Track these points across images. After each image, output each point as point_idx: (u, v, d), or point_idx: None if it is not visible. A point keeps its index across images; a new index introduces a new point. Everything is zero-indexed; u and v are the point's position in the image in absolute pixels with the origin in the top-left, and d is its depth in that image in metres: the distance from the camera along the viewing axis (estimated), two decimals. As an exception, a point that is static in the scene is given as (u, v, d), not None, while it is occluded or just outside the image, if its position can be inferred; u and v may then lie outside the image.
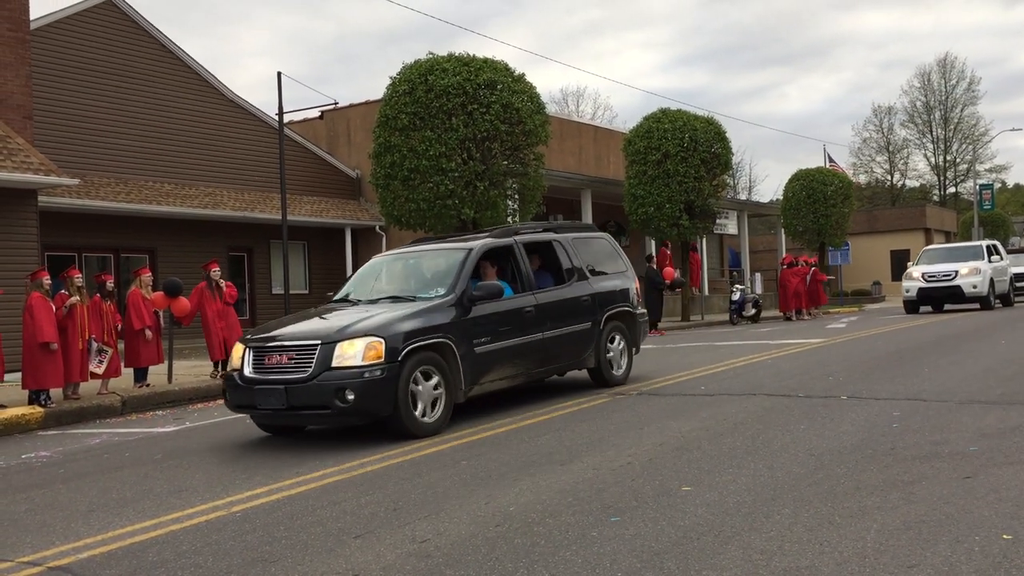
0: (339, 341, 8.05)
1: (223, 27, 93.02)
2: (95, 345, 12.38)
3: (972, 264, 25.96)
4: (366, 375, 7.87)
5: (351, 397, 7.84)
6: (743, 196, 60.58)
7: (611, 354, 10.97)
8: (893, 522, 4.86)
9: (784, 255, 34.39)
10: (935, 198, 69.92)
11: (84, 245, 20.97)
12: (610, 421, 8.55)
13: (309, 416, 8.26)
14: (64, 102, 20.69)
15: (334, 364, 7.94)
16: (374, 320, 8.36)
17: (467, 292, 9.02)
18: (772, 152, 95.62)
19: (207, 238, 23.26)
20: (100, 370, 12.39)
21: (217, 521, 5.83)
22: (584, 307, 10.55)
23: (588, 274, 10.85)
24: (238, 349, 8.80)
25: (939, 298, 26.07)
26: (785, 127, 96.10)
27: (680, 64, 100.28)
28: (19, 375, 12.03)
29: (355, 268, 26.79)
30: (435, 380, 8.42)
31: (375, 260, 10.84)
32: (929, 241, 46.57)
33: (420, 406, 8.24)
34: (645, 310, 12.11)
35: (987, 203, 52.72)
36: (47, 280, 11.95)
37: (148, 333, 13.04)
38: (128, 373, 13.25)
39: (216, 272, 14.20)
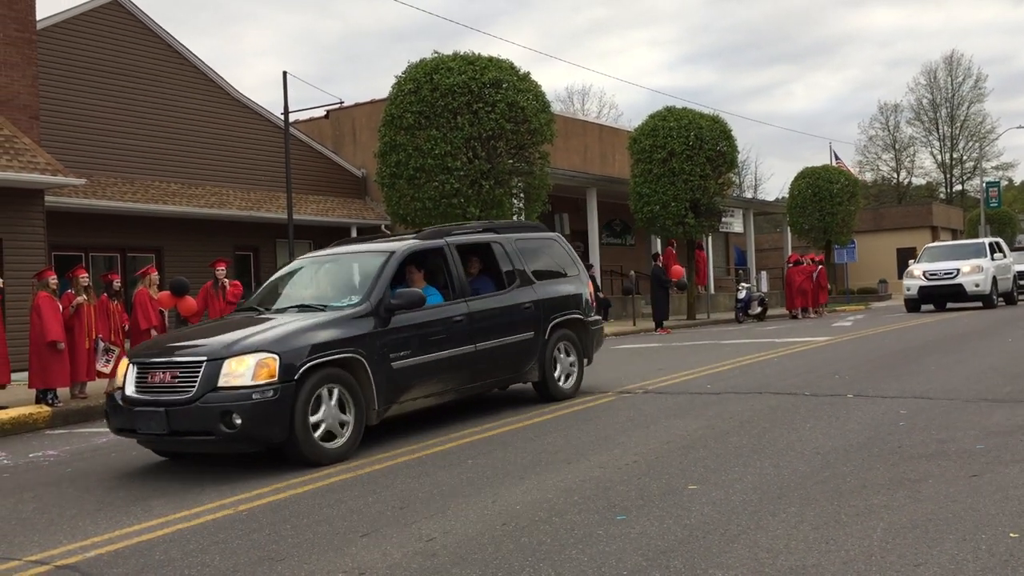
0: (227, 358, 7.15)
1: (229, 27, 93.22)
2: (102, 344, 12.42)
3: (974, 262, 25.59)
4: (256, 396, 6.97)
5: (238, 422, 6.94)
6: (749, 194, 60.49)
7: (558, 367, 10.03)
8: (900, 521, 4.85)
9: (790, 253, 34.35)
10: (942, 196, 69.77)
11: (91, 245, 21.01)
12: (616, 420, 8.55)
13: (192, 443, 7.34)
14: (70, 102, 20.73)
15: (220, 384, 7.05)
16: (269, 334, 7.45)
17: (384, 301, 8.10)
18: (778, 150, 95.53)
19: (213, 237, 23.29)
20: (107, 369, 12.43)
21: (224, 520, 5.85)
22: (526, 315, 9.62)
23: (533, 279, 9.92)
24: (123, 365, 7.99)
25: (941, 297, 25.72)
26: (791, 125, 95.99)
27: (686, 62, 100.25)
28: (26, 374, 12.07)
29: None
30: (341, 400, 7.51)
31: (293, 264, 9.98)
32: (936, 239, 46.45)
33: (322, 430, 7.35)
34: (600, 317, 11.18)
35: (994, 201, 52.58)
36: (54, 280, 11.99)
37: (154, 333, 13.07)
38: (135, 372, 13.26)
39: (221, 271, 14.20)
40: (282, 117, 22.90)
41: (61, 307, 11.83)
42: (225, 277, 14.24)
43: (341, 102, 25.81)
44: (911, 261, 28.57)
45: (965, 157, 70.26)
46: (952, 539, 4.51)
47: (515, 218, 20.82)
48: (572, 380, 10.25)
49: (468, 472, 6.69)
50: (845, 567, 4.21)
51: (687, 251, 28.66)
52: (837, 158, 43.50)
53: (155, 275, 13.81)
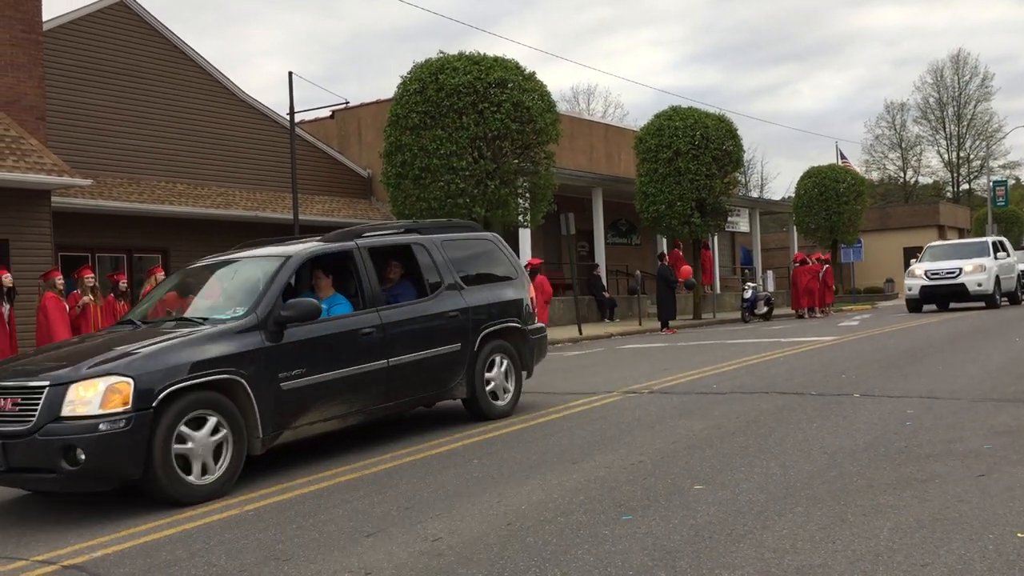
0: (73, 383, 6.20)
1: (235, 27, 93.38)
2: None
3: (977, 261, 25.23)
4: (103, 427, 6.04)
5: (83, 457, 6.01)
6: (755, 194, 60.41)
7: (492, 382, 9.03)
8: (906, 520, 4.84)
9: (796, 253, 34.32)
10: (948, 195, 69.62)
11: (97, 245, 21.06)
12: (622, 419, 8.55)
13: (32, 480, 6.43)
14: (77, 103, 20.79)
15: (64, 413, 6.11)
16: (127, 354, 6.48)
17: (275, 312, 7.15)
18: (784, 150, 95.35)
19: (219, 238, 23.27)
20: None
21: (230, 519, 5.85)
22: (452, 325, 8.66)
23: (461, 284, 8.95)
24: None
25: (943, 296, 25.32)
26: (797, 124, 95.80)
27: (691, 62, 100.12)
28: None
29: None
30: (214, 429, 6.54)
31: (185, 270, 9.12)
32: (943, 238, 46.36)
33: (192, 463, 6.40)
34: (543, 325, 10.19)
35: (1001, 200, 52.44)
36: (60, 280, 12.02)
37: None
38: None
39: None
40: (288, 117, 22.93)
41: (67, 307, 11.86)
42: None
43: (346, 102, 25.86)
44: (912, 260, 28.38)
45: (972, 156, 70.13)
46: (959, 539, 4.49)
47: (521, 218, 20.82)
48: (508, 396, 9.23)
49: (474, 472, 6.69)
50: (852, 567, 4.20)
51: (693, 251, 28.65)
52: (843, 157, 43.44)
53: (161, 275, 13.83)
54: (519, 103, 19.66)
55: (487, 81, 19.51)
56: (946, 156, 70.84)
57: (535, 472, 6.53)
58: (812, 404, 8.77)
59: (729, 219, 30.74)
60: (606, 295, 28.20)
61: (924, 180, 73.35)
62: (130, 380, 6.22)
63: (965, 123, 69.16)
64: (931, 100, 69.38)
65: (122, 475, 6.26)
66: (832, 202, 36.15)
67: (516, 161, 20.01)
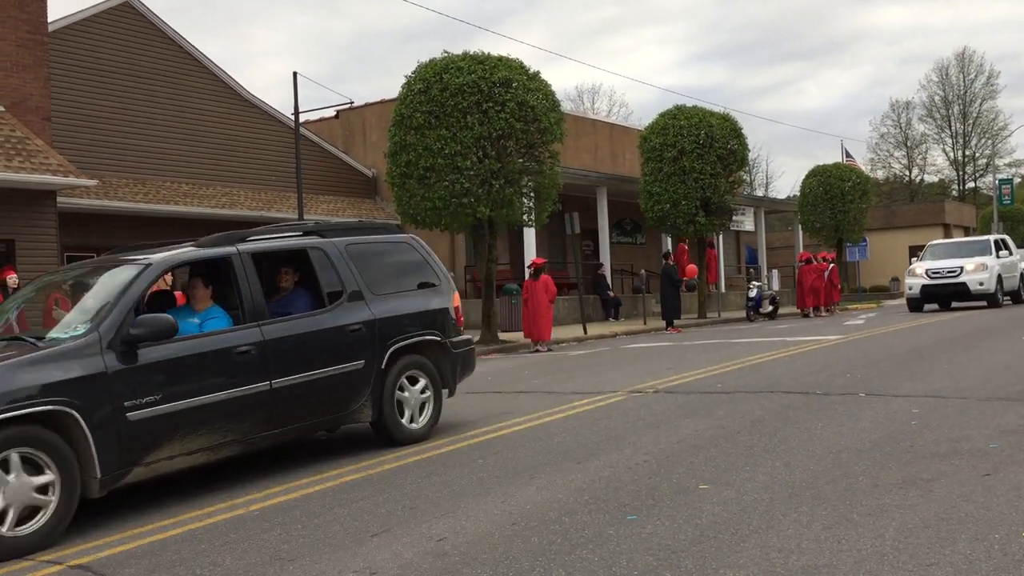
0: None
1: (240, 27, 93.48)
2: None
3: (978, 260, 24.96)
4: None
5: None
6: (760, 193, 60.36)
7: (404, 403, 8.07)
8: (912, 520, 4.83)
9: (801, 251, 34.26)
10: (954, 193, 69.46)
11: (103, 245, 21.01)
12: (626, 419, 8.54)
13: None
14: (82, 104, 20.84)
15: None
16: None
17: (123, 330, 6.22)
18: (789, 148, 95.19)
19: (224, 238, 23.37)
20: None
21: (236, 519, 5.86)
22: (354, 339, 7.66)
23: (368, 293, 7.93)
24: None
25: (944, 296, 25.04)
26: (802, 123, 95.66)
27: (697, 61, 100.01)
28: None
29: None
30: (31, 473, 5.57)
31: (43, 279, 8.24)
32: (948, 236, 46.25)
33: (5, 512, 5.43)
34: (469, 337, 9.18)
35: (1007, 198, 52.28)
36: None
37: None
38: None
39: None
40: (292, 117, 22.96)
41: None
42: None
43: (351, 102, 25.88)
44: (913, 259, 28.16)
45: (978, 154, 69.96)
46: (965, 539, 4.48)
47: (526, 217, 20.79)
48: (424, 418, 8.27)
49: (479, 472, 6.69)
50: (857, 567, 4.19)
51: (698, 250, 28.63)
52: (848, 156, 43.38)
53: (169, 276, 13.82)
54: (523, 102, 19.64)
55: (491, 80, 19.50)
56: (952, 154, 70.75)
57: (540, 471, 6.53)
58: (817, 403, 8.75)
59: (734, 218, 30.73)
60: (611, 294, 28.20)
61: (930, 178, 73.27)
62: None
63: (971, 121, 69.03)
64: (936, 98, 69.33)
65: None
66: (837, 201, 36.09)
67: (521, 160, 20.00)
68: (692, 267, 25.55)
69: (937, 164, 73.96)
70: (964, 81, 68.35)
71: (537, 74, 20.57)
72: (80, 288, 7.36)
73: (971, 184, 71.70)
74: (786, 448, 6.80)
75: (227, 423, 6.72)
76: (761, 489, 5.66)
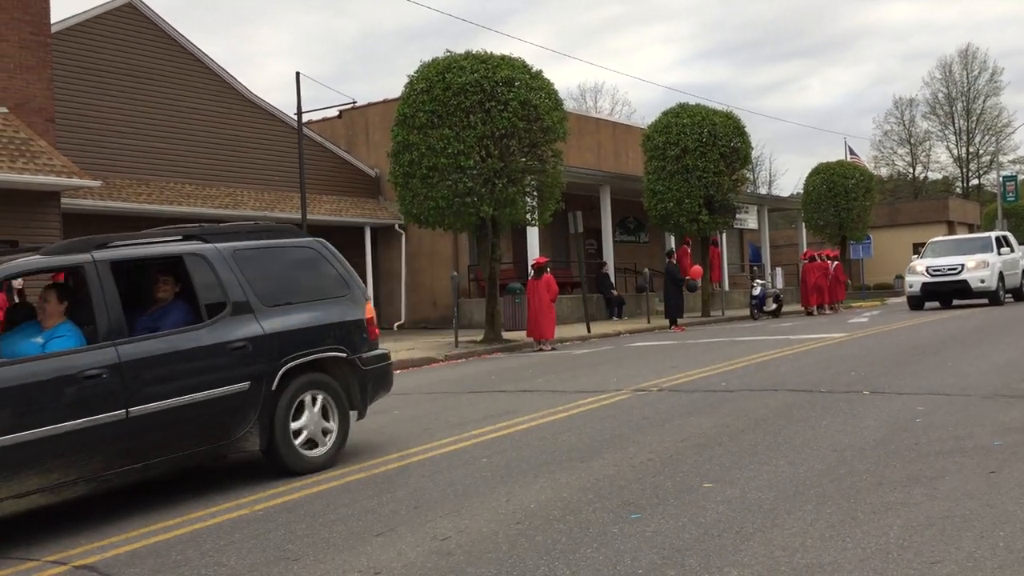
0: None
1: (244, 28, 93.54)
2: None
3: (979, 257, 24.68)
4: None
5: None
6: (763, 191, 60.26)
7: (302, 429, 7.14)
8: (916, 518, 4.83)
9: (805, 249, 34.19)
10: (958, 190, 69.35)
11: (107, 246, 21.14)
12: (631, 417, 8.54)
13: None
14: (85, 104, 20.86)
15: None
16: None
17: None
18: (792, 146, 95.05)
19: (228, 238, 23.39)
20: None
21: (240, 520, 5.87)
22: (238, 358, 6.78)
23: (258, 305, 7.02)
24: None
25: (945, 293, 24.78)
26: (806, 120, 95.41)
27: (700, 59, 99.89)
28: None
29: (375, 266, 26.95)
30: None
31: None
32: (952, 234, 46.18)
33: None
34: (385, 352, 8.13)
35: (1011, 195, 52.15)
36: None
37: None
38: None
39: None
40: (295, 117, 22.98)
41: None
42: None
43: (354, 102, 25.90)
44: (913, 257, 27.96)
45: (981, 151, 69.79)
46: (970, 536, 4.48)
47: (529, 216, 20.77)
48: (326, 445, 7.32)
49: (482, 470, 6.70)
50: (862, 565, 4.19)
51: (701, 248, 28.61)
52: (852, 153, 43.31)
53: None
54: (526, 101, 19.64)
55: (494, 80, 19.49)
56: (955, 151, 70.60)
57: (544, 470, 6.53)
58: (821, 402, 8.75)
59: (737, 216, 30.69)
60: (614, 293, 28.18)
61: (933, 176, 73.12)
62: None
63: (974, 118, 68.87)
64: (940, 95, 69.17)
65: None
66: (841, 198, 36.02)
67: (524, 159, 19.99)
68: (697, 268, 25.51)
69: (941, 161, 73.90)
70: (968, 78, 68.24)
71: (540, 73, 20.56)
72: None
73: (975, 181, 71.57)
74: (790, 446, 6.80)
75: (71, 458, 5.89)
76: (765, 487, 5.66)
